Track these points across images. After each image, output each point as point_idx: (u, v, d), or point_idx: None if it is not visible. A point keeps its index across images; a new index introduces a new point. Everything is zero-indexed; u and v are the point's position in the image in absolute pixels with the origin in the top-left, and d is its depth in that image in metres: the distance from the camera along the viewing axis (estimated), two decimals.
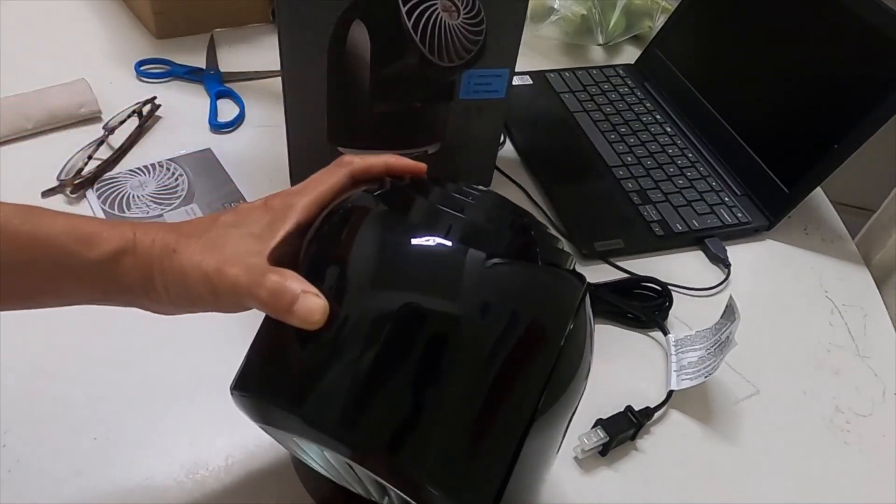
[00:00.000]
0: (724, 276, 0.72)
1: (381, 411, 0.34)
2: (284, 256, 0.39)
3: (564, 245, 0.42)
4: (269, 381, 0.38)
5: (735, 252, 0.75)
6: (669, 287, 0.68)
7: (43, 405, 0.54)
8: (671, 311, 0.67)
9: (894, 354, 0.69)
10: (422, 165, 0.43)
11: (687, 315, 0.68)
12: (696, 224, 0.76)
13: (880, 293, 0.75)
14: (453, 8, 0.59)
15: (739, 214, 0.78)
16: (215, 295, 0.38)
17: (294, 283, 0.36)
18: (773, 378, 0.64)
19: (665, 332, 0.65)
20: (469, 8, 0.60)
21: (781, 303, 0.72)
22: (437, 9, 0.59)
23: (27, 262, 0.38)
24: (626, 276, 0.70)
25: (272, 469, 0.52)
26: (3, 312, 0.58)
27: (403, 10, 0.58)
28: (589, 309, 0.39)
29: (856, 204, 1.09)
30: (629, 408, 0.57)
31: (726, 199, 0.79)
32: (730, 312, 0.60)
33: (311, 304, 0.36)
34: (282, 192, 0.42)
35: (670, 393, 0.60)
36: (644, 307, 0.67)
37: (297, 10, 0.59)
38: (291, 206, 0.40)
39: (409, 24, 0.59)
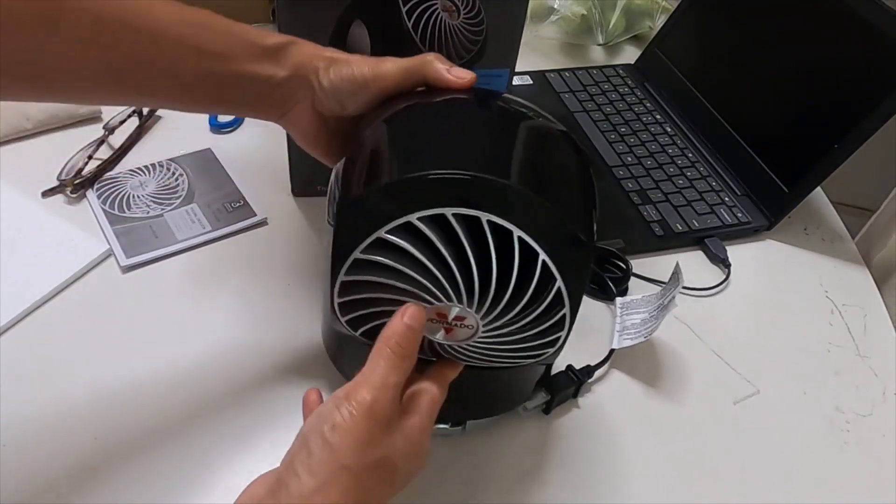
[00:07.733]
0: (724, 276, 0.72)
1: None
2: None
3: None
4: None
5: (735, 252, 0.75)
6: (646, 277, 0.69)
7: (43, 405, 0.54)
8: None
9: (894, 354, 0.69)
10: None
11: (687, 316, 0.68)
12: (697, 224, 0.76)
13: (880, 293, 0.75)
14: (453, 8, 0.59)
15: (739, 214, 0.78)
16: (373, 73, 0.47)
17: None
18: (773, 378, 0.64)
19: (612, 298, 0.67)
20: (469, 8, 0.60)
21: (781, 303, 0.72)
22: (437, 9, 0.59)
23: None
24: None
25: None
26: (1, 311, 0.58)
27: (403, 10, 0.58)
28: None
29: (856, 204, 1.09)
30: (570, 367, 0.60)
31: (726, 199, 0.79)
32: (675, 278, 0.62)
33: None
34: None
35: (611, 352, 0.62)
36: (597, 274, 0.68)
37: (297, 10, 0.59)
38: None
39: (409, 24, 0.59)
